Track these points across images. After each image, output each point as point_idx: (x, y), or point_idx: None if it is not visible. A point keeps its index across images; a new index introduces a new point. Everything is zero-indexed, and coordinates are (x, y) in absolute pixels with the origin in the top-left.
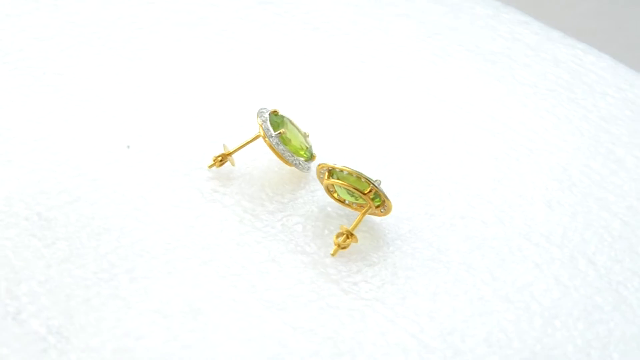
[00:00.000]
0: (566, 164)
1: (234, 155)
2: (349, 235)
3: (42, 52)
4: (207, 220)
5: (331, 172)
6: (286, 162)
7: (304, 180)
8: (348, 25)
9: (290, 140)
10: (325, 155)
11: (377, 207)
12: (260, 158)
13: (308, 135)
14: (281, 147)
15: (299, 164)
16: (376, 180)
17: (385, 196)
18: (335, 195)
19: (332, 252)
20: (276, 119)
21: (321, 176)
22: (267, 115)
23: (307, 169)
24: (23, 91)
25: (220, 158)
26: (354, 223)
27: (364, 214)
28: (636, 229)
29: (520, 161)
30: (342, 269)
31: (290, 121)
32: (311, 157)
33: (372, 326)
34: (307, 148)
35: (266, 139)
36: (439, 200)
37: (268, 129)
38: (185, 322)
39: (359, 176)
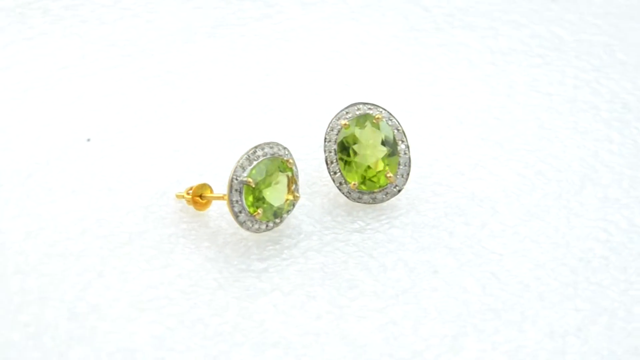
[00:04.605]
0: None
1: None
2: (198, 197)
3: None
4: None
5: None
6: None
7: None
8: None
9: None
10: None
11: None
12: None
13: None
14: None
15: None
16: (224, 194)
17: (232, 211)
18: None
19: (176, 194)
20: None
21: None
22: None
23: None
24: None
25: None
26: (211, 196)
27: (220, 197)
28: None
29: None
30: None
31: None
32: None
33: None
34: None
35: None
36: None
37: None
38: None
39: (236, 167)
